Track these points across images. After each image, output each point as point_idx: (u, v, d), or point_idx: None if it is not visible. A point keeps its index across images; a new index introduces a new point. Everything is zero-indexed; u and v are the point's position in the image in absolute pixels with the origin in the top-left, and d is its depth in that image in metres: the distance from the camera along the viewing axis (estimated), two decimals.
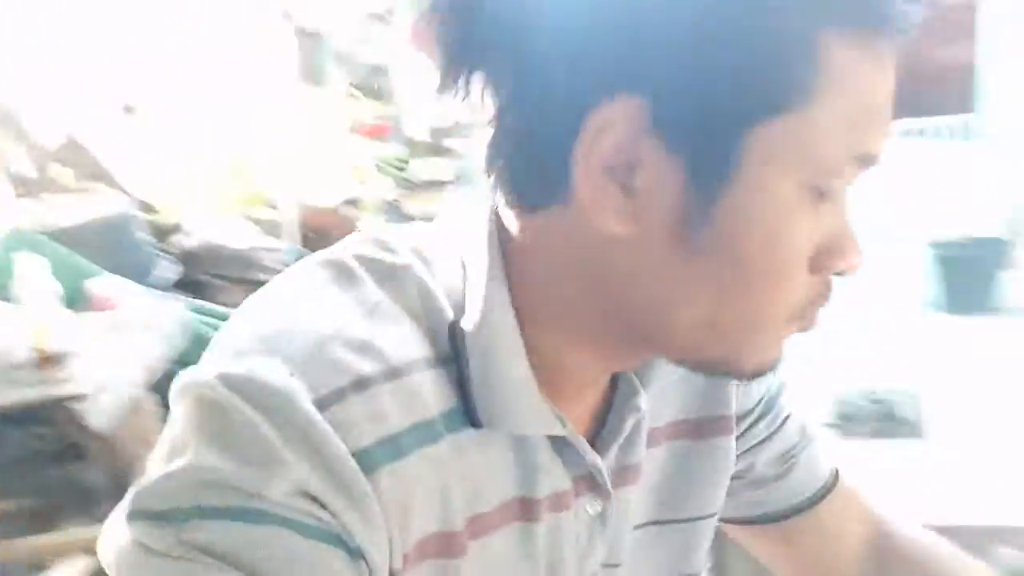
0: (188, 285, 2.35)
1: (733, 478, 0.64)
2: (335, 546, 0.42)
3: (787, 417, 0.67)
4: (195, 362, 0.46)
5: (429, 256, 0.51)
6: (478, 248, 0.49)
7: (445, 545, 0.48)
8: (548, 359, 0.49)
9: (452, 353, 0.48)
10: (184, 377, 0.45)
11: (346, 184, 5.45)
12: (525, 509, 0.52)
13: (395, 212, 6.93)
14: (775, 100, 0.42)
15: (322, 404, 0.42)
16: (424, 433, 0.46)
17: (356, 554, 0.42)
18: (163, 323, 2.03)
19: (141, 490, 0.43)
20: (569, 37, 0.43)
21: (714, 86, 0.41)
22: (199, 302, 2.25)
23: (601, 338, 0.50)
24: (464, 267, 0.50)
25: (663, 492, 0.60)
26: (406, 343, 0.47)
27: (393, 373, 0.45)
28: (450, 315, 0.48)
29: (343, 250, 0.51)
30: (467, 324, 0.48)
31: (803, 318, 0.48)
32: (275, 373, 0.43)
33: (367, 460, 0.43)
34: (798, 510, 0.67)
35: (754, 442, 0.66)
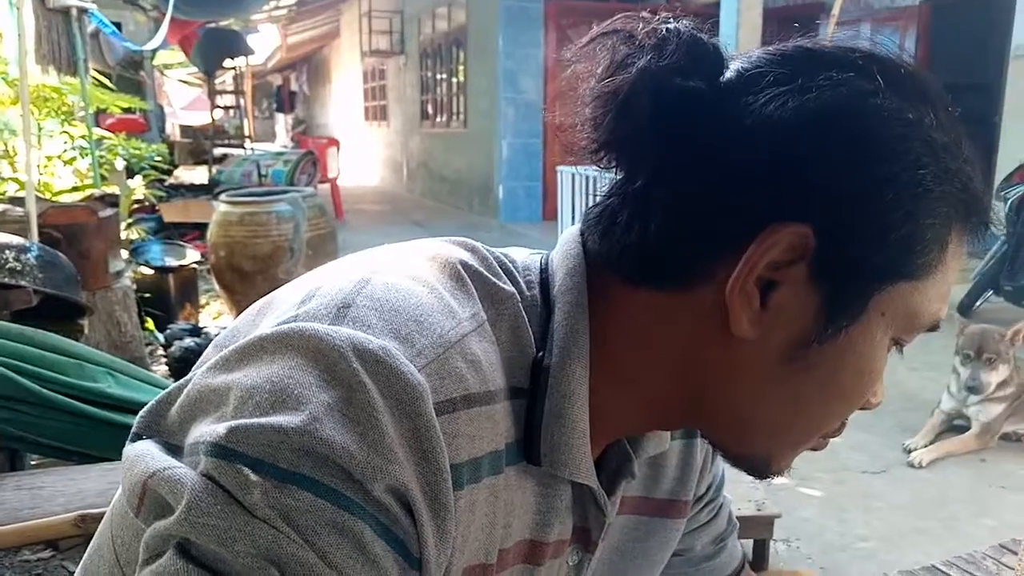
0: None
1: (673, 555, 0.70)
2: (398, 552, 0.41)
3: (722, 505, 0.75)
4: None
5: (522, 286, 0.53)
6: (570, 295, 0.51)
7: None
8: (596, 417, 0.51)
9: (528, 387, 0.50)
10: (302, 324, 0.44)
11: (93, 180, 5.13)
12: (533, 552, 0.53)
13: (147, 212, 6.61)
14: (912, 271, 0.48)
15: (438, 410, 0.43)
16: (495, 462, 0.47)
17: (414, 565, 0.42)
18: None
19: (238, 428, 0.40)
20: (767, 160, 0.47)
21: (874, 246, 0.47)
22: None
23: (657, 413, 0.54)
24: (551, 305, 0.52)
25: (613, 561, 0.63)
26: (496, 370, 0.48)
27: (489, 397, 0.46)
28: (533, 350, 0.50)
29: (448, 253, 0.52)
30: (550, 365, 0.50)
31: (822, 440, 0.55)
32: (407, 365, 0.42)
33: (456, 477, 0.44)
34: None
35: (696, 525, 0.72)
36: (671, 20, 0.50)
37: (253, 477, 0.39)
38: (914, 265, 0.48)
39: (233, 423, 0.41)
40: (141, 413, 0.49)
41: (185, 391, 0.47)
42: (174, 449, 0.45)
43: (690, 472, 0.66)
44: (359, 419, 0.41)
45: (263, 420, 0.40)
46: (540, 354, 0.50)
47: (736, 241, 0.47)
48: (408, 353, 0.43)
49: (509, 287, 0.51)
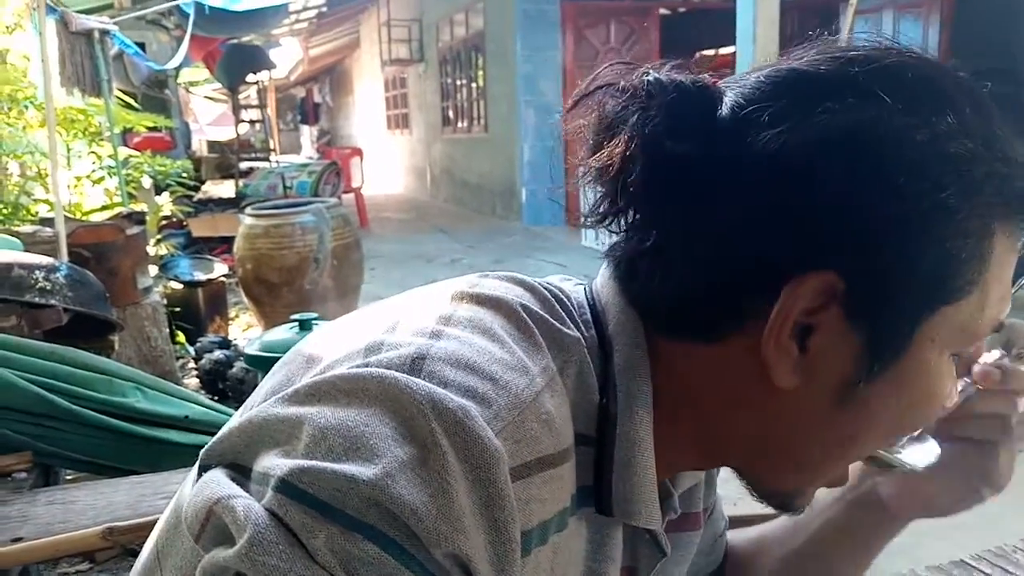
0: None
1: None
2: None
3: (715, 505, 0.74)
4: None
5: (582, 328, 0.52)
6: (626, 336, 0.51)
7: None
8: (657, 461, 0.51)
9: (595, 435, 0.49)
10: (380, 371, 0.43)
11: (121, 198, 5.23)
12: None
13: (176, 227, 6.72)
14: (954, 293, 0.46)
15: (513, 476, 0.42)
16: (560, 520, 0.47)
17: None
18: None
19: (309, 470, 0.40)
20: (775, 210, 0.46)
21: (905, 277, 0.45)
22: None
23: (704, 456, 0.54)
24: (608, 346, 0.51)
25: None
26: (566, 423, 0.47)
27: (561, 457, 0.46)
28: (597, 396, 0.50)
29: (509, 298, 0.51)
30: (617, 413, 0.49)
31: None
32: (485, 429, 0.42)
33: (526, 543, 0.43)
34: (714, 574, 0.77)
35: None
36: (654, 70, 0.49)
37: (319, 521, 0.39)
38: (953, 288, 0.46)
39: (305, 463, 0.40)
40: (202, 453, 0.48)
41: (246, 418, 0.46)
42: (239, 469, 0.45)
43: (700, 484, 0.67)
44: (431, 480, 0.40)
45: (336, 466, 0.39)
46: (604, 400, 0.50)
47: (760, 292, 0.46)
48: (486, 415, 0.42)
49: (574, 332, 0.51)
